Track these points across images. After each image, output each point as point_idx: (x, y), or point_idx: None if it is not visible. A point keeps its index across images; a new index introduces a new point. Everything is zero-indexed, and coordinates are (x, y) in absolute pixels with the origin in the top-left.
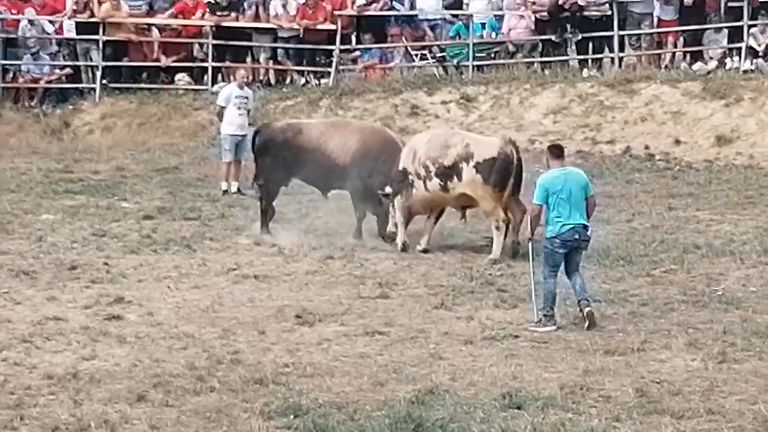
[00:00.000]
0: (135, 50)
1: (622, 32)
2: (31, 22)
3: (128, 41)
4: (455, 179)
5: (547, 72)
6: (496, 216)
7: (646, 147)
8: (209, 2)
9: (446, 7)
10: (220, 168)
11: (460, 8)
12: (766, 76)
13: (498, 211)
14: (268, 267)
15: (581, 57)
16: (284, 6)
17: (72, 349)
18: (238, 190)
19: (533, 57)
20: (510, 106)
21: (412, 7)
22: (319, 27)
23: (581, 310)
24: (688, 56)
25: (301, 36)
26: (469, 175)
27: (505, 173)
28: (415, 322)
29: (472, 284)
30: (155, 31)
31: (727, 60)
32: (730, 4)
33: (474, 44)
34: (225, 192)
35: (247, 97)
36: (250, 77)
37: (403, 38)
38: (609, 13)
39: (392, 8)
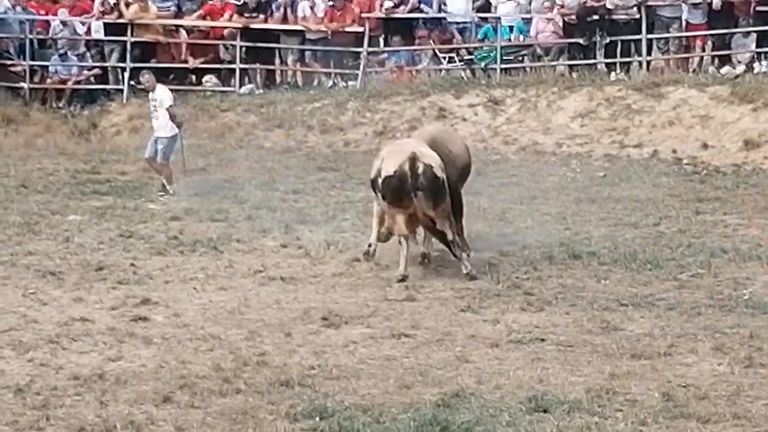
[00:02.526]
0: (163, 51)
1: (650, 36)
2: (63, 23)
3: (156, 42)
4: (375, 192)
5: (574, 75)
6: (397, 231)
7: (674, 151)
8: (237, 4)
9: (475, 10)
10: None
11: (489, 11)
12: None
13: (399, 227)
14: (295, 269)
15: (609, 60)
16: (312, 8)
17: (98, 350)
18: (163, 186)
19: (561, 60)
20: (537, 110)
21: (440, 9)
22: (347, 29)
23: None
24: (716, 60)
25: (328, 38)
26: (378, 190)
27: (398, 191)
28: (441, 324)
29: (499, 287)
30: (183, 33)
31: (756, 64)
32: (759, 8)
33: (502, 47)
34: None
35: (156, 99)
36: (279, 79)
37: (431, 41)
38: (637, 16)
39: (420, 11)
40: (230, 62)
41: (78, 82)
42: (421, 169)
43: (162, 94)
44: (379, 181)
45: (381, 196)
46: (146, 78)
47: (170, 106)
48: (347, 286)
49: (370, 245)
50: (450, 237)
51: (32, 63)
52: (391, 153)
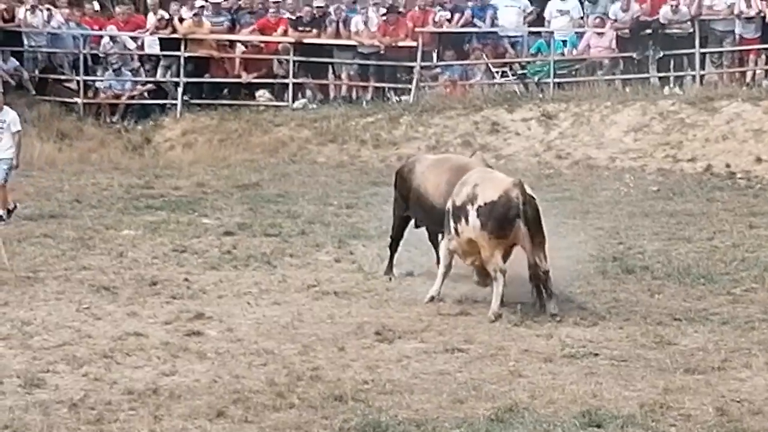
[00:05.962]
0: (216, 66)
1: (703, 50)
2: (112, 38)
3: (209, 57)
4: (463, 222)
5: (627, 89)
6: (493, 265)
7: (727, 165)
8: (291, 19)
9: (528, 25)
10: None
11: (542, 25)
12: None
13: (495, 260)
14: (348, 284)
15: (662, 74)
16: (365, 23)
17: (152, 365)
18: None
19: (614, 74)
20: (591, 124)
21: (493, 24)
22: (400, 44)
23: None
24: None
25: (382, 52)
26: (471, 219)
27: (503, 219)
28: (494, 339)
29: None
30: (237, 47)
31: None
32: None
33: (555, 61)
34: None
35: (4, 121)
36: (332, 93)
37: (484, 55)
38: (690, 30)
39: (473, 25)
40: (283, 77)
41: (132, 97)
42: (527, 197)
43: (11, 117)
44: (471, 208)
45: (480, 224)
46: None
47: (18, 131)
48: (400, 301)
49: (434, 296)
50: (545, 269)
51: (86, 78)
52: (487, 178)
